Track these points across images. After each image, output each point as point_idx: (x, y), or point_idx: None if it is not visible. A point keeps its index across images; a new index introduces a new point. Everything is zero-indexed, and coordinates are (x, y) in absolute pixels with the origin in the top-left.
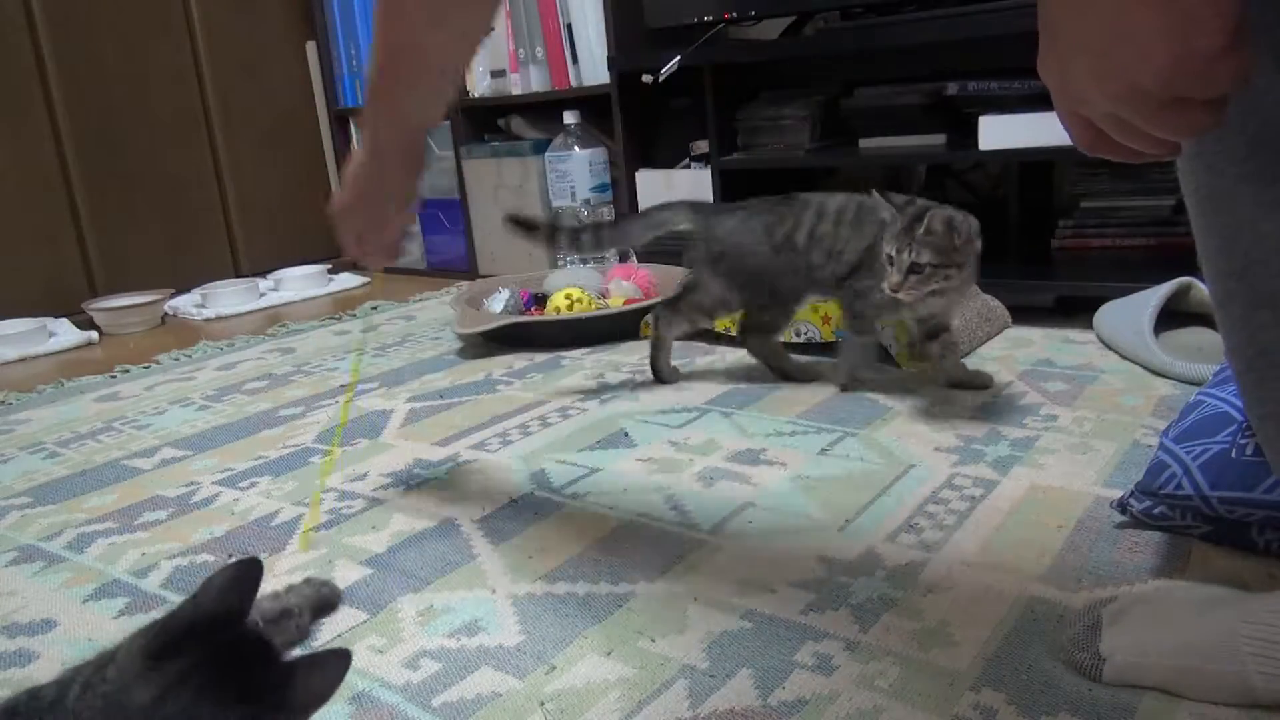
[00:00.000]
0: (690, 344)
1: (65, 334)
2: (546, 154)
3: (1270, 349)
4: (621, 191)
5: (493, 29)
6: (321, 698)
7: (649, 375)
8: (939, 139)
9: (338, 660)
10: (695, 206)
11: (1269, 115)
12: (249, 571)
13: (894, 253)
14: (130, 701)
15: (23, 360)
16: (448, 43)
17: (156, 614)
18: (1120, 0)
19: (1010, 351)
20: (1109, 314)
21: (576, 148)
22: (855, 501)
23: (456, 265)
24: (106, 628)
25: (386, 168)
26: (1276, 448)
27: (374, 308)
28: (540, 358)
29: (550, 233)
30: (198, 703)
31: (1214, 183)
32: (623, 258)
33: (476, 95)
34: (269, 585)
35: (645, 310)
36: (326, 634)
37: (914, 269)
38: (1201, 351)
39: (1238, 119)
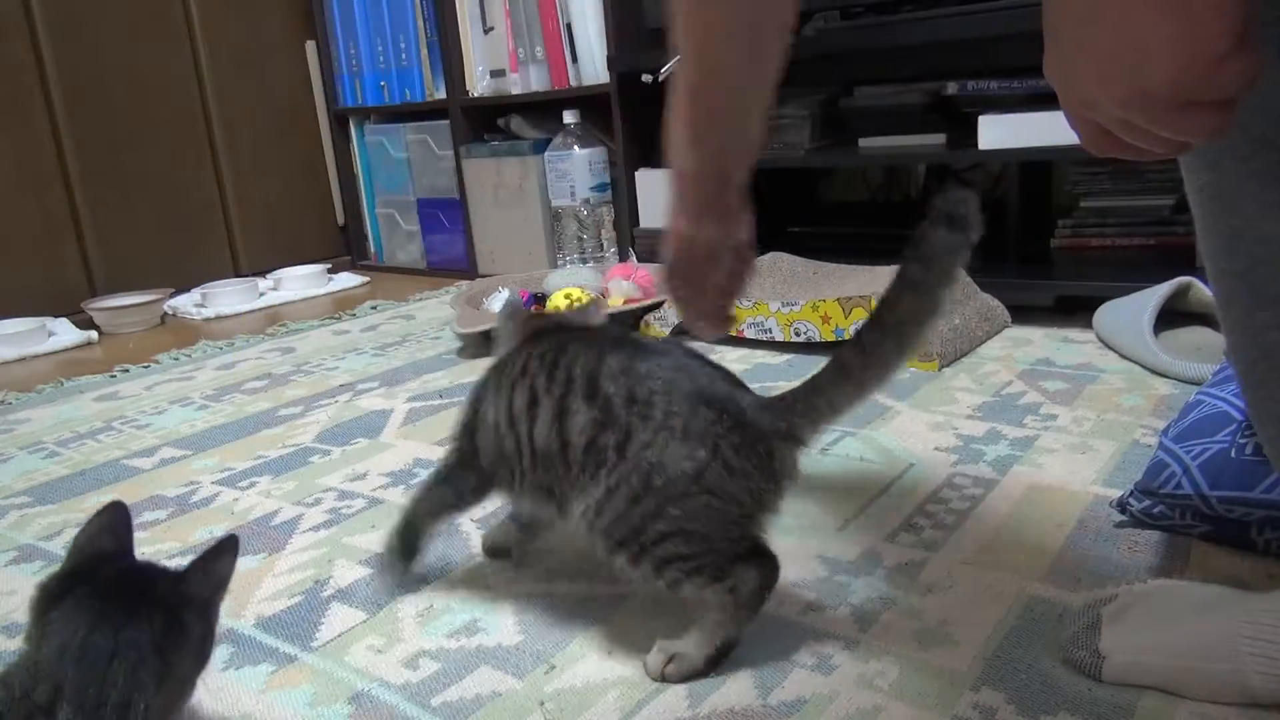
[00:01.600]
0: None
1: (65, 334)
2: (546, 154)
3: (1272, 349)
4: (621, 191)
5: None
6: (218, 586)
7: None
8: (939, 139)
9: (225, 550)
10: None
11: (1275, 114)
12: (115, 514)
13: None
14: (40, 657)
15: (22, 360)
16: (755, 66)
17: None
18: (1126, 4)
19: (1010, 351)
20: (1109, 313)
21: (576, 147)
22: (855, 501)
23: (456, 265)
24: None
25: (712, 226)
26: (1278, 447)
27: (374, 307)
28: None
29: None
30: (96, 627)
31: (1218, 181)
32: (622, 257)
33: (476, 95)
34: (269, 585)
35: (645, 310)
36: (326, 633)
37: None
38: (1201, 351)
39: (1243, 118)
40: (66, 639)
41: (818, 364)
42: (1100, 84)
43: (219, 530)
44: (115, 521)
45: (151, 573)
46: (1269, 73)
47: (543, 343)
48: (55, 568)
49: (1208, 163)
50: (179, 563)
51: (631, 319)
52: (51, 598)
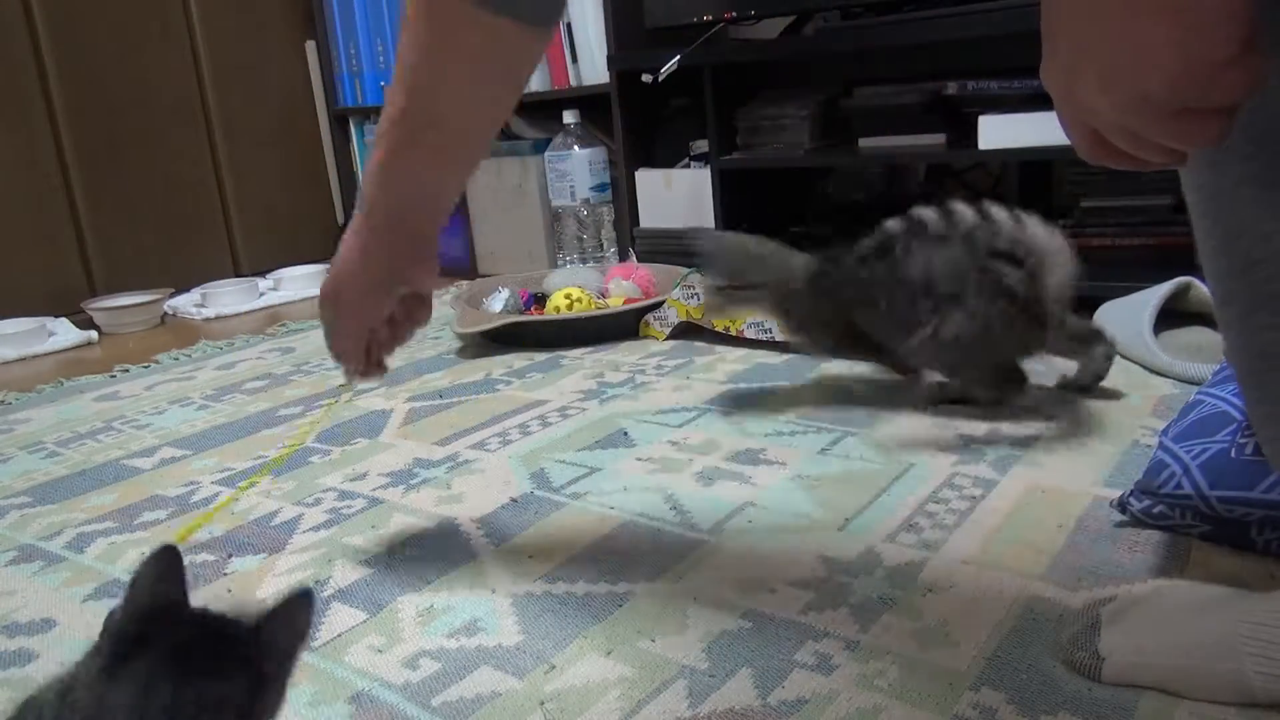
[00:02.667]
0: (690, 344)
1: (65, 333)
2: (546, 153)
3: (1270, 350)
4: (621, 191)
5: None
6: (298, 639)
7: (649, 375)
8: (938, 138)
9: (302, 602)
10: None
11: (1273, 115)
12: (168, 559)
13: None
14: (111, 704)
15: (22, 360)
16: (464, 110)
17: None
18: (1130, 9)
19: None
20: (1108, 314)
21: (576, 147)
22: (855, 501)
23: (456, 265)
24: None
25: (376, 244)
26: (1277, 447)
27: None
28: (540, 357)
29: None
30: (183, 680)
31: (1217, 182)
32: (622, 257)
33: None
34: (270, 585)
35: (645, 310)
36: (326, 633)
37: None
38: (1201, 351)
39: (1244, 117)
40: (148, 688)
41: (818, 363)
42: (1101, 90)
43: (218, 530)
44: (170, 567)
45: (229, 624)
46: (1273, 73)
47: None
48: (55, 569)
49: (1206, 162)
50: None
51: (631, 319)
52: (125, 645)
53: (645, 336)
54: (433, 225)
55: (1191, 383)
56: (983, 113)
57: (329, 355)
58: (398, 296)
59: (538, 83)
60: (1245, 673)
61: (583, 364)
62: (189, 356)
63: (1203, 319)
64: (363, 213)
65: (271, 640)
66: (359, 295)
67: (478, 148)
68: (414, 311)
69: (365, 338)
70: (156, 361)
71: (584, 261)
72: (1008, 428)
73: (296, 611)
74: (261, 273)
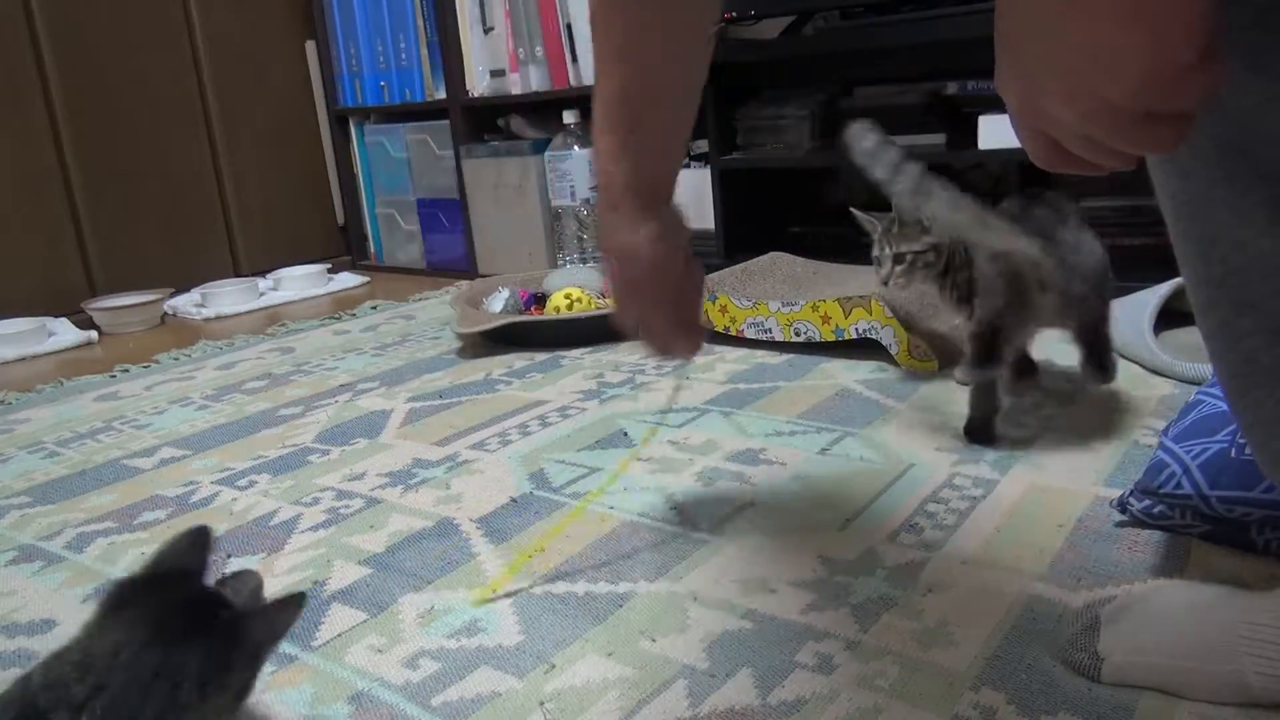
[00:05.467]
0: None
1: (65, 333)
2: (546, 153)
3: (1253, 355)
4: None
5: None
6: (274, 637)
7: (649, 375)
8: (939, 139)
9: (291, 604)
10: None
11: (1239, 119)
12: (201, 537)
13: (879, 252)
14: (93, 651)
15: (22, 360)
16: (678, 69)
17: None
18: (1090, 16)
19: None
20: None
21: (576, 147)
22: (855, 501)
23: (456, 265)
24: None
25: (653, 233)
26: (1265, 454)
27: (374, 307)
28: (540, 357)
29: None
30: (151, 643)
31: (1189, 188)
32: None
33: (476, 95)
34: (269, 585)
35: None
36: (326, 633)
37: (898, 259)
38: (1201, 351)
39: (1208, 124)
40: (122, 643)
41: (818, 363)
42: (1063, 98)
43: (218, 530)
44: (198, 543)
45: (218, 603)
46: (1235, 78)
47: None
48: (55, 569)
49: (1178, 170)
50: None
51: None
52: (123, 597)
53: None
54: (675, 177)
55: (1191, 383)
56: (983, 113)
57: (650, 358)
58: (681, 252)
59: (537, 82)
60: (1245, 673)
61: (583, 364)
62: (189, 356)
63: None
64: (622, 198)
65: (247, 629)
66: (658, 269)
67: (693, 109)
68: (692, 262)
69: (679, 306)
70: (156, 361)
71: (584, 261)
72: (1008, 428)
73: (284, 610)
74: (261, 273)
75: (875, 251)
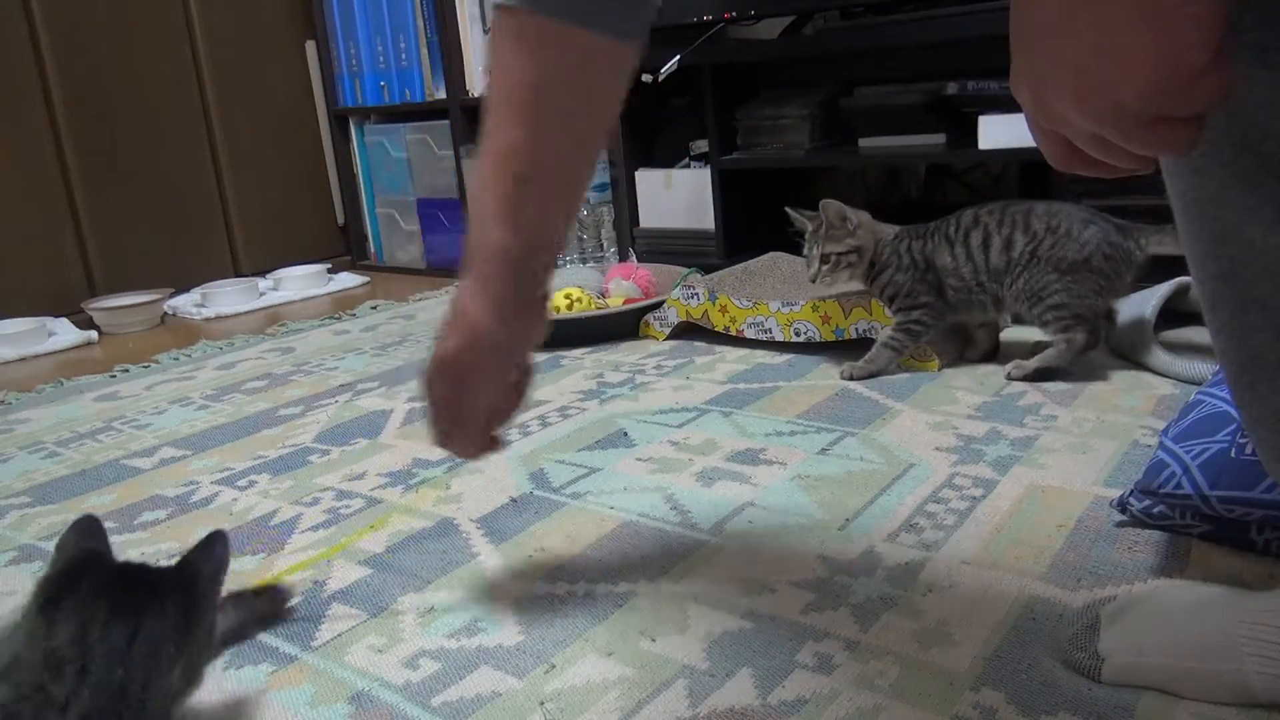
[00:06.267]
0: (691, 343)
1: (65, 333)
2: None
3: (1260, 352)
4: (621, 191)
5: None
6: (220, 569)
7: (649, 375)
8: (939, 139)
9: (217, 538)
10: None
11: (1252, 118)
12: (89, 524)
13: (808, 251)
14: (55, 645)
15: (22, 360)
16: (579, 155)
17: None
18: (1103, 18)
19: (1010, 351)
20: None
21: None
22: (855, 501)
23: (456, 265)
24: None
25: (519, 299)
26: (1268, 450)
27: (374, 307)
28: (540, 357)
29: None
30: (116, 610)
31: (1200, 186)
32: (622, 257)
33: (476, 95)
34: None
35: (645, 310)
36: (326, 633)
37: (824, 259)
38: (1201, 351)
39: (1222, 122)
40: (84, 626)
41: (818, 363)
42: (1074, 99)
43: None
44: (92, 529)
45: (152, 568)
46: (1247, 77)
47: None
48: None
49: (1189, 168)
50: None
51: (631, 319)
52: (55, 592)
53: (645, 336)
54: (552, 268)
55: (1191, 383)
56: (983, 113)
57: (432, 439)
58: (521, 360)
59: None
60: (1245, 673)
61: (583, 364)
62: (189, 356)
63: (1203, 319)
64: (489, 262)
65: (195, 569)
66: (490, 362)
67: (588, 176)
68: (527, 374)
69: (488, 411)
70: (156, 361)
71: (584, 261)
72: (1008, 427)
73: (212, 549)
74: (261, 273)
75: (805, 250)
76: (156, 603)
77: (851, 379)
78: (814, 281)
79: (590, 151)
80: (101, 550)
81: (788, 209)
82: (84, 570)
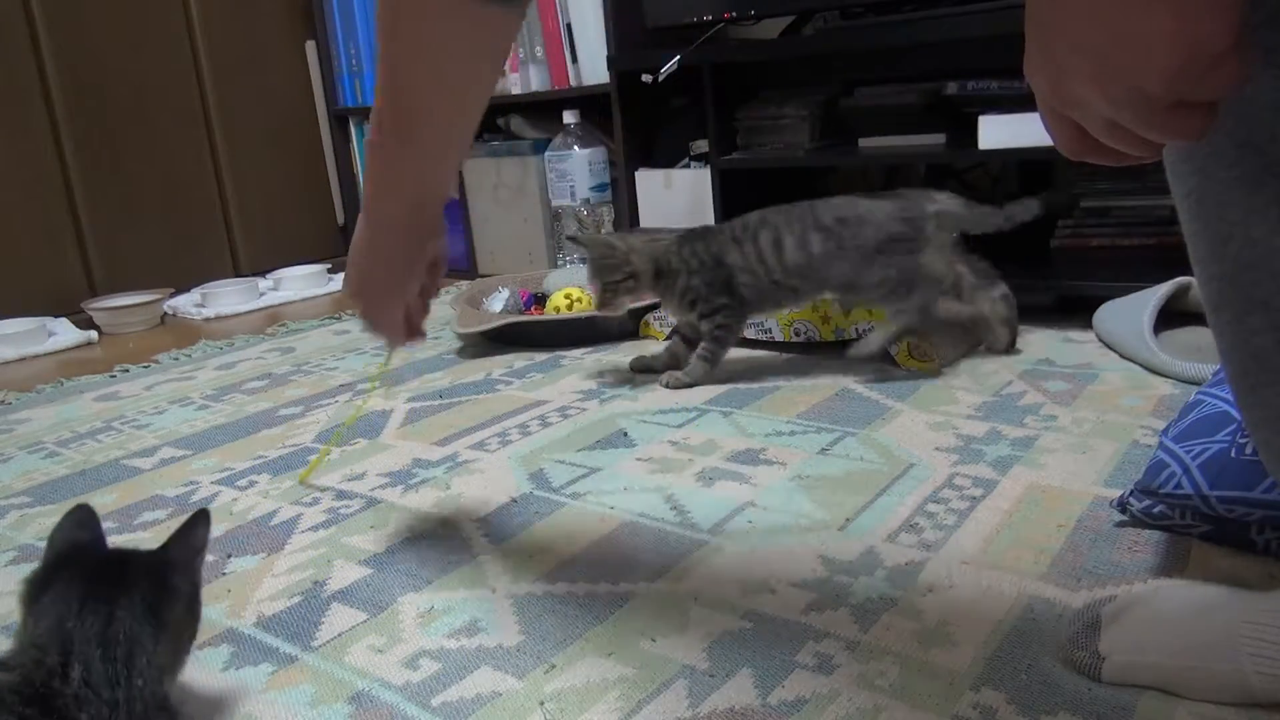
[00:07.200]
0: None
1: (65, 333)
2: (546, 153)
3: (1262, 354)
4: (621, 191)
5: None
6: (200, 545)
7: (648, 375)
8: (939, 138)
9: (199, 518)
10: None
11: (1258, 118)
12: (83, 513)
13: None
14: (41, 638)
15: (22, 360)
16: (453, 98)
17: None
18: (1124, 2)
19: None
20: (1108, 313)
21: (576, 147)
22: (855, 501)
23: (456, 264)
24: None
25: (389, 241)
26: (1271, 452)
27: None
28: (540, 357)
29: None
30: (88, 597)
31: (1205, 186)
32: None
33: None
34: (269, 585)
35: (645, 310)
36: (326, 633)
37: (605, 289)
38: (1201, 351)
39: (1227, 122)
40: (63, 611)
41: (818, 363)
42: (1094, 83)
43: (218, 530)
44: (85, 519)
45: (131, 552)
46: (1254, 77)
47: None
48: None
49: (1194, 168)
50: None
51: (631, 319)
52: (39, 587)
53: (645, 336)
54: (439, 211)
55: (1191, 383)
56: (983, 113)
57: (370, 337)
58: (422, 270)
59: (537, 82)
60: (1245, 672)
61: (583, 364)
62: (189, 356)
63: (1202, 319)
64: (369, 216)
65: (172, 553)
66: (385, 287)
67: (469, 133)
68: (436, 272)
69: (401, 316)
70: (156, 361)
71: (584, 261)
72: (1008, 427)
73: (194, 528)
74: (261, 273)
75: (588, 278)
76: (133, 582)
77: (668, 387)
78: (600, 310)
79: (475, 113)
80: (90, 539)
81: (567, 236)
82: (66, 563)
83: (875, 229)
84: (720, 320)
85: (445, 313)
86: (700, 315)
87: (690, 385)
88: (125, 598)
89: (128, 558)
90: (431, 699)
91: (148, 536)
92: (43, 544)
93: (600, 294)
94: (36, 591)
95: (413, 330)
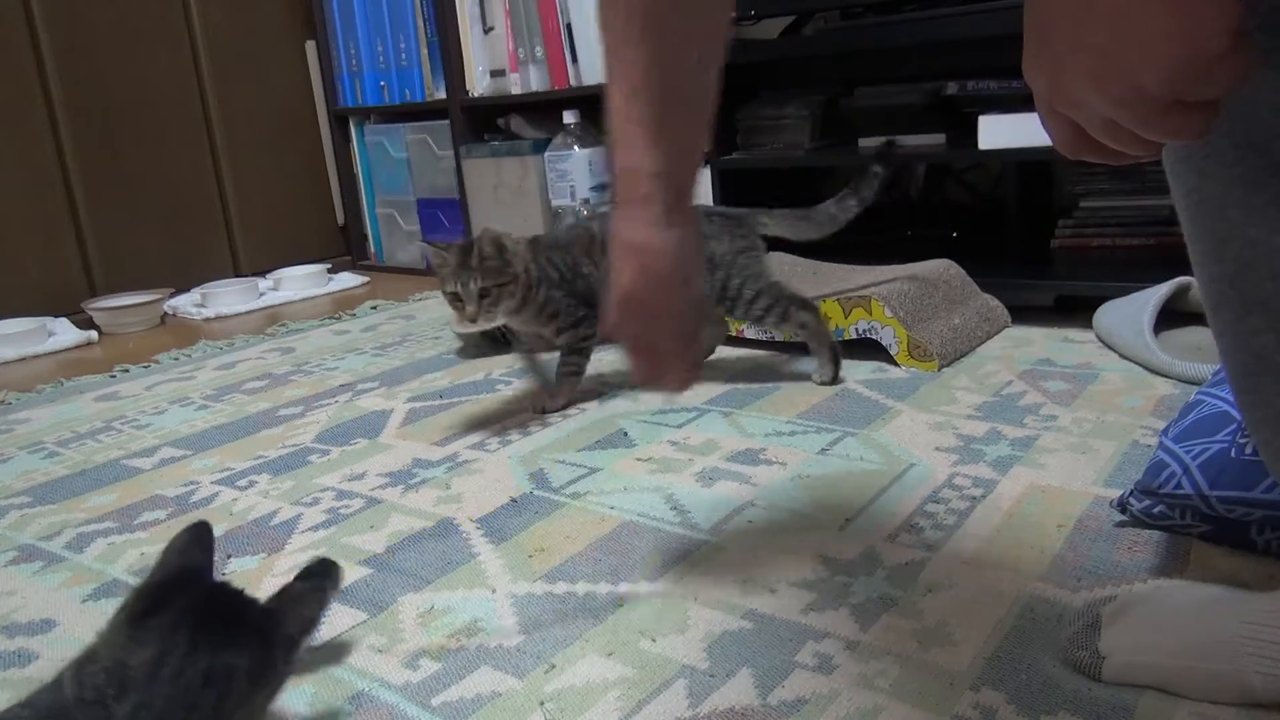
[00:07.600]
0: None
1: (65, 333)
2: (546, 153)
3: (1263, 353)
4: None
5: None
6: (311, 624)
7: None
8: (939, 138)
9: (318, 590)
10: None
11: (1256, 119)
12: (201, 533)
13: (459, 288)
14: (130, 664)
15: (22, 360)
16: (701, 71)
17: None
18: (1127, 3)
19: (1010, 351)
20: (1108, 313)
21: (576, 147)
22: (855, 501)
23: None
24: None
25: (680, 231)
26: (1271, 452)
27: (374, 307)
28: (540, 358)
29: None
30: (196, 648)
31: (1204, 187)
32: None
33: (476, 95)
34: (269, 586)
35: None
36: (326, 633)
37: (483, 294)
38: (1201, 351)
39: (1226, 123)
40: (163, 653)
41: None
42: (1093, 82)
43: (218, 530)
44: (202, 538)
45: (246, 601)
46: (1254, 77)
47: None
48: (55, 569)
49: (1194, 169)
50: None
51: None
52: (148, 604)
53: None
54: (697, 171)
55: (1191, 383)
56: (983, 113)
57: (635, 381)
58: (693, 275)
59: (537, 82)
60: (1245, 672)
61: None
62: (189, 356)
63: (1202, 319)
64: (643, 183)
65: (285, 626)
66: (667, 279)
67: (714, 87)
68: (701, 297)
69: (681, 336)
70: (156, 361)
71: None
72: (1008, 427)
73: (311, 601)
74: (261, 273)
75: (450, 288)
76: (241, 647)
77: (544, 412)
78: (474, 321)
79: (710, 60)
80: (202, 566)
81: (422, 242)
82: (178, 589)
83: (729, 243)
84: (584, 332)
85: (445, 313)
86: (558, 330)
87: (564, 407)
88: (230, 659)
89: (242, 610)
90: (431, 699)
91: (147, 536)
92: (42, 544)
93: (477, 301)
94: (144, 607)
95: (693, 365)
